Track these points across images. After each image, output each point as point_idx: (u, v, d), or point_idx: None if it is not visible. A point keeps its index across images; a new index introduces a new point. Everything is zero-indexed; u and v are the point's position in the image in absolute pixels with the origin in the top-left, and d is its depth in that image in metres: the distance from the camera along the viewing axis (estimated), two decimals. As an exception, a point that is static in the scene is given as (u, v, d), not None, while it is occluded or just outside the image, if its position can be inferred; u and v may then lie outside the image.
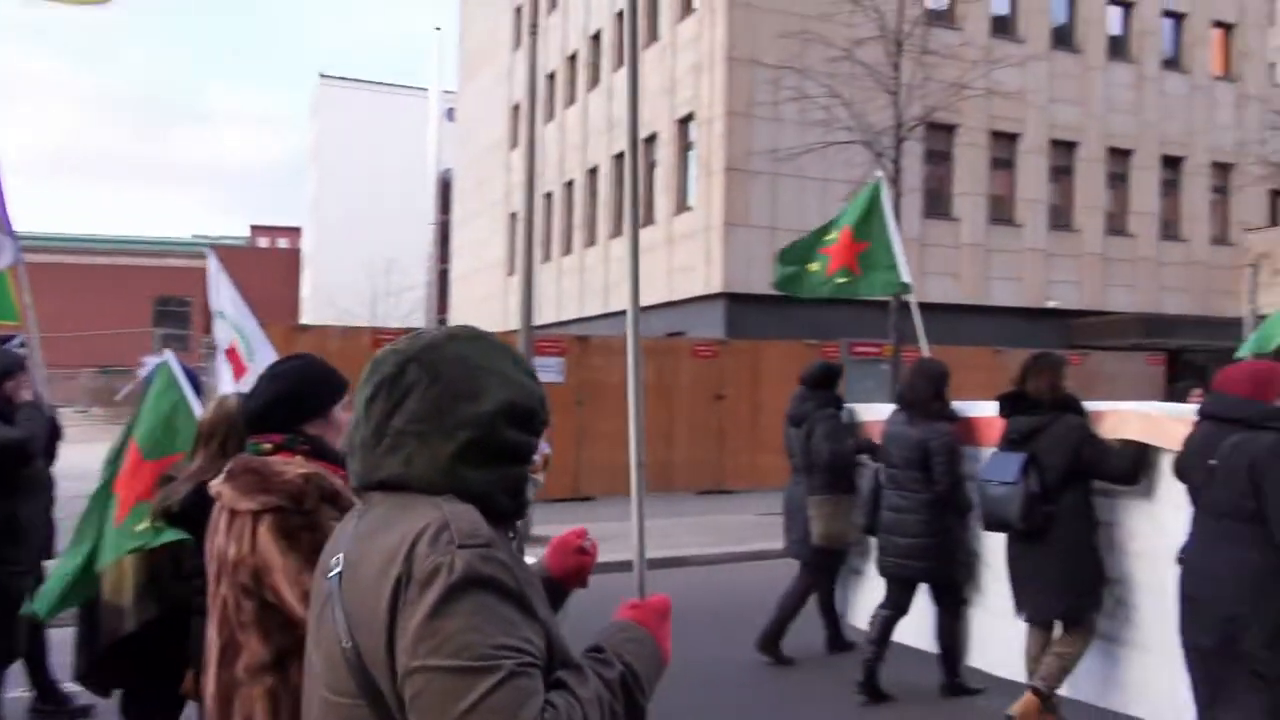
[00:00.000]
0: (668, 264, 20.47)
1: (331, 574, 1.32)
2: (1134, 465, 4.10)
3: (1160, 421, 4.00)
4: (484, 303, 31.15)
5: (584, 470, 12.82)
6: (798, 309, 18.60)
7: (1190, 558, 3.51)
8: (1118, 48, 22.58)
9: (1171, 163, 23.11)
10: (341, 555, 1.32)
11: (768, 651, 5.83)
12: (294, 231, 64.63)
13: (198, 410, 3.54)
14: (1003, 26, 20.89)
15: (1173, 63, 23.29)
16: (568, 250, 26.12)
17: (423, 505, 1.29)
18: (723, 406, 14.36)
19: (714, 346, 14.82)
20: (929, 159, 20.15)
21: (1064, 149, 21.86)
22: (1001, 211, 21.24)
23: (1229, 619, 3.26)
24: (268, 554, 2.05)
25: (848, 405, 5.95)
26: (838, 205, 18.29)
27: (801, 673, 5.78)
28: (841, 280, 6.61)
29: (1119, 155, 22.50)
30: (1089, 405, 4.40)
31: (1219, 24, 23.92)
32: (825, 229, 6.72)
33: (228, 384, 4.96)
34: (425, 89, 55.63)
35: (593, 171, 24.59)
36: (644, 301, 21.83)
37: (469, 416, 1.34)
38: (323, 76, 56.08)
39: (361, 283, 43.32)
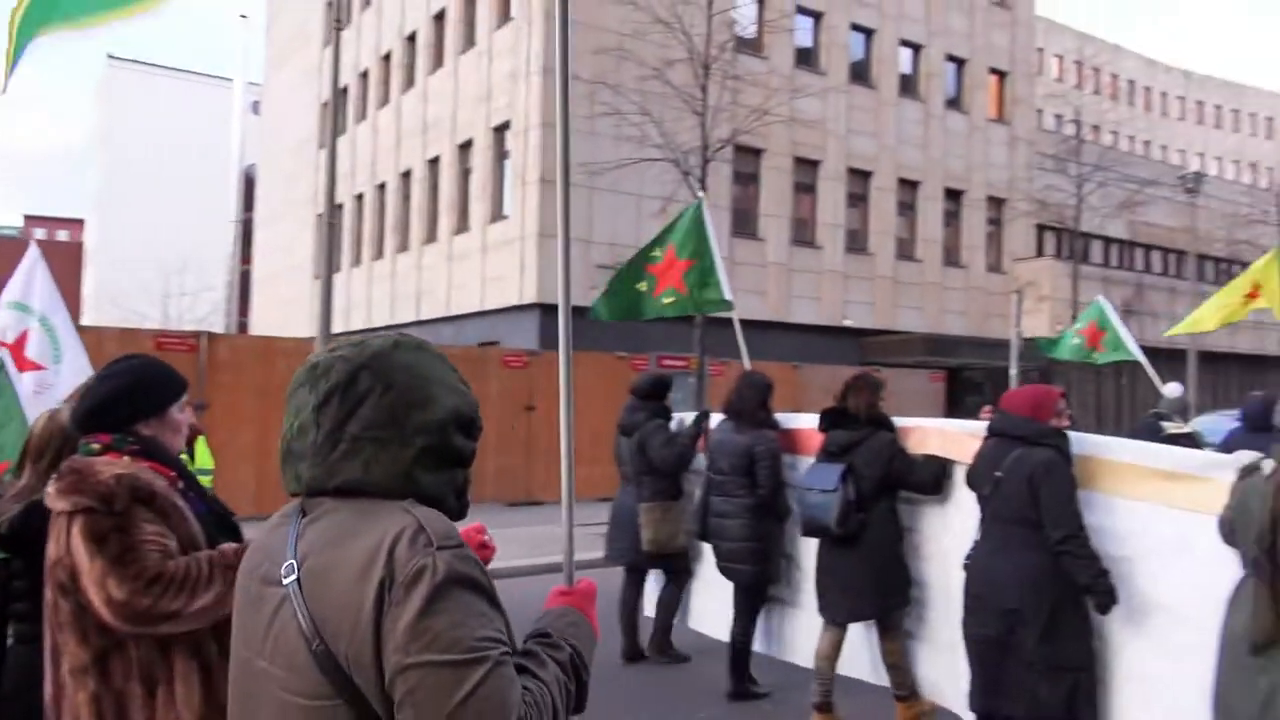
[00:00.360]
0: (482, 273, 20.26)
1: (287, 580, 1.32)
2: (937, 477, 4.46)
3: (955, 436, 4.40)
4: (289, 306, 29.72)
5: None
6: (608, 323, 18.87)
7: (977, 560, 3.89)
8: (908, 86, 24.31)
9: (953, 195, 25.09)
10: (295, 561, 1.33)
11: (662, 654, 6.00)
12: (76, 224, 59.41)
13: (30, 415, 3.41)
14: (805, 58, 22.05)
15: (955, 103, 25.32)
16: (379, 255, 25.35)
17: (390, 510, 1.34)
18: (533, 418, 14.33)
19: (524, 357, 14.77)
20: (737, 180, 20.96)
21: (860, 177, 23.29)
22: (804, 233, 22.36)
23: (1008, 614, 3.66)
24: (78, 555, 2.02)
25: (677, 415, 6.09)
26: (650, 220, 18.79)
27: (623, 678, 5.78)
28: (668, 300, 6.64)
29: (908, 186, 24.20)
30: (898, 421, 4.74)
31: (995, 71, 26.23)
32: (649, 248, 6.72)
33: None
34: (229, 79, 52.76)
35: (406, 175, 24.01)
36: (458, 310, 21.69)
37: (423, 423, 1.40)
38: (111, 58, 51.92)
39: (153, 282, 40.34)
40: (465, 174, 21.48)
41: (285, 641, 1.32)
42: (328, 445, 1.37)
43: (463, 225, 21.32)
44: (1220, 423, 11.52)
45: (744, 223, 21.33)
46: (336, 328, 25.09)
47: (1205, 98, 47.18)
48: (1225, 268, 33.18)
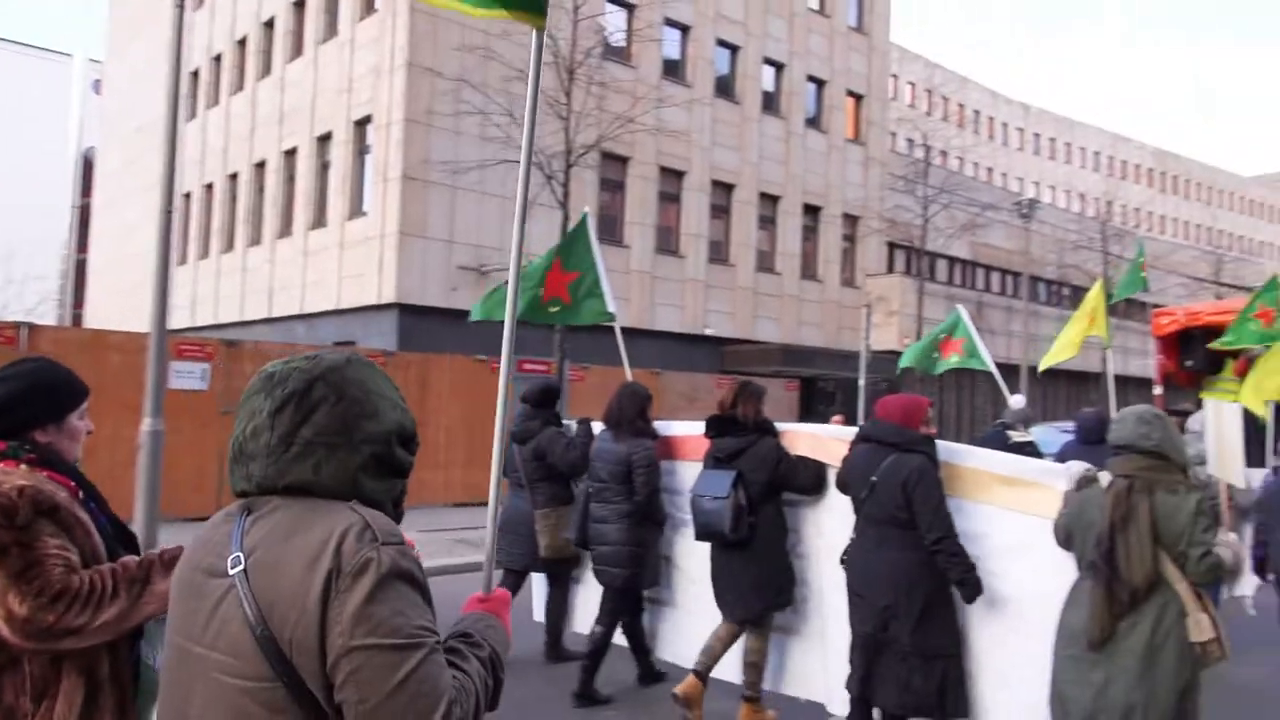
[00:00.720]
0: (339, 270, 19.62)
1: (233, 571, 1.41)
2: (818, 479, 4.68)
3: (825, 441, 4.68)
4: (129, 297, 27.97)
5: (228, 486, 11.82)
6: (472, 324, 18.61)
7: (854, 558, 4.18)
8: (770, 103, 25.05)
9: (811, 211, 25.99)
10: (241, 554, 1.42)
11: (556, 656, 6.09)
12: (-118, 202, 54.10)
13: None
14: (673, 70, 22.42)
15: (814, 122, 26.26)
16: (229, 247, 24.21)
17: (337, 508, 1.45)
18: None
19: (380, 357, 14.38)
20: (604, 187, 21.08)
21: (723, 189, 23.83)
22: (668, 243, 22.69)
23: (884, 608, 3.97)
24: None
25: (567, 420, 6.23)
26: (514, 223, 18.65)
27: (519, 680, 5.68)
28: (554, 310, 6.90)
29: (769, 200, 24.92)
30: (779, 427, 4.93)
31: (852, 93, 27.35)
32: (540, 261, 6.98)
33: None
34: (68, 54, 49.21)
35: (260, 165, 23.03)
36: (313, 308, 20.92)
37: (371, 433, 1.52)
38: (-69, 24, 47.70)
39: (-28, 269, 37.28)
40: (323, 167, 20.78)
41: (229, 628, 1.40)
42: (281, 447, 1.48)
43: (319, 220, 20.61)
44: (1049, 435, 12.30)
45: (609, 229, 21.45)
46: (181, 322, 23.84)
47: (1041, 130, 50.57)
48: (1055, 289, 35.62)
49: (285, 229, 21.78)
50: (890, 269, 28.88)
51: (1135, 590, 3.33)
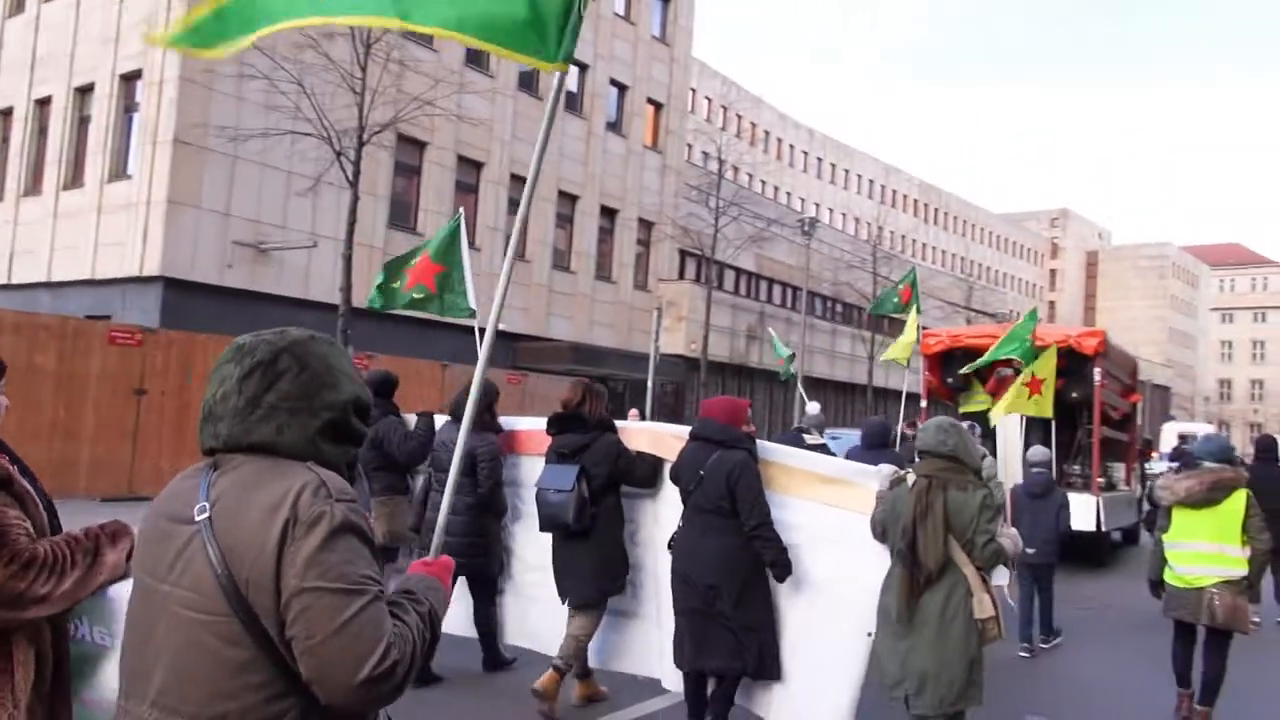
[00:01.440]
0: (95, 236, 17.83)
1: (199, 518, 1.57)
2: (653, 472, 5.04)
3: (661, 437, 5.07)
4: None
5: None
6: (246, 305, 17.44)
7: (681, 543, 4.61)
8: (573, 103, 25.15)
9: (609, 213, 26.33)
10: (207, 504, 1.58)
11: (494, 665, 6.09)
12: None
13: None
14: (475, 58, 22.01)
15: (615, 126, 26.63)
16: (-40, 203, 21.43)
17: (296, 467, 1.61)
18: (143, 403, 12.81)
19: (137, 334, 13.18)
20: (399, 170, 20.39)
21: (522, 184, 23.63)
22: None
23: (709, 587, 4.43)
24: None
25: (406, 414, 6.33)
26: (299, 200, 17.68)
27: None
28: (417, 296, 7.23)
29: (568, 199, 25.01)
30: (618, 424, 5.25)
31: (652, 101, 27.97)
32: (413, 251, 7.46)
33: None
34: None
35: (6, 113, 20.55)
36: (63, 276, 18.89)
37: (330, 401, 1.69)
38: None
39: None
40: (82, 122, 18.83)
41: (192, 567, 1.57)
42: (247, 409, 1.64)
43: (75, 180, 18.65)
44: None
45: (402, 215, 20.78)
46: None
47: (824, 155, 53.81)
48: (830, 304, 37.99)
49: (33, 186, 19.56)
50: (681, 275, 29.75)
51: (929, 573, 3.97)
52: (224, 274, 17.32)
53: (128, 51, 17.69)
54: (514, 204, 23.47)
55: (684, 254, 29.89)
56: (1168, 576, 5.70)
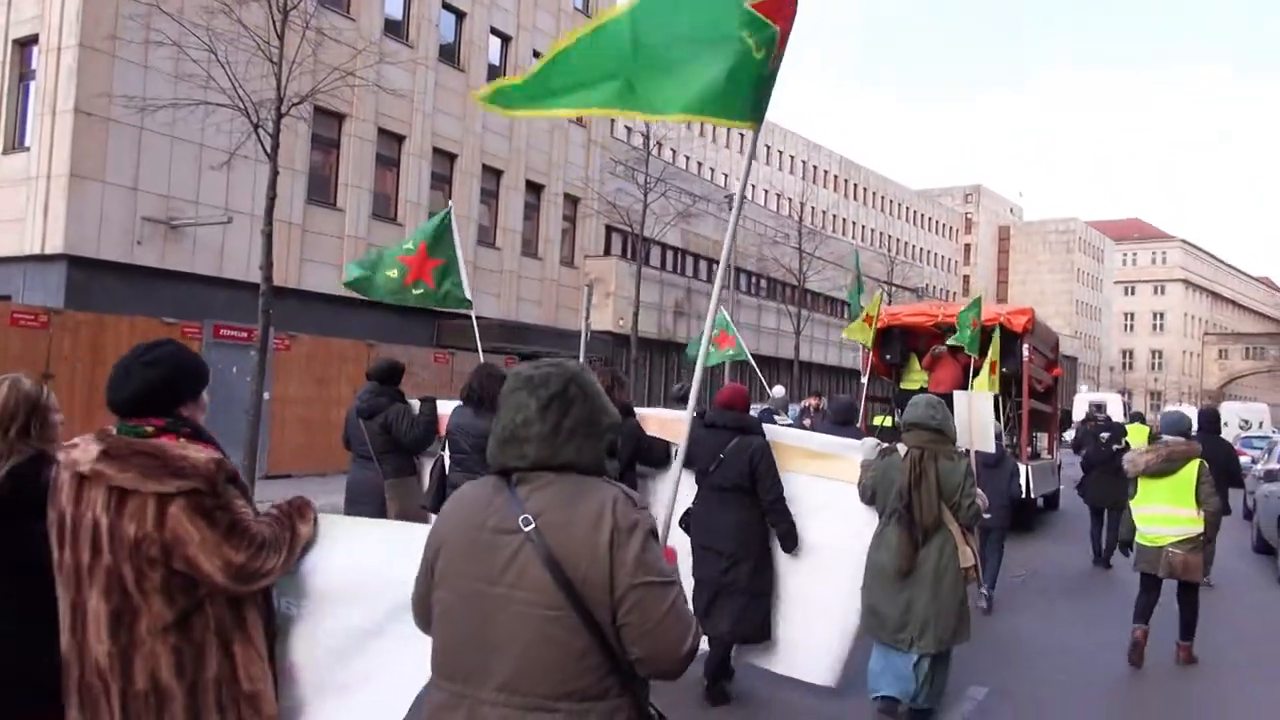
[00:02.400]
0: (-12, 212, 16.79)
1: (526, 529, 1.84)
2: (665, 454, 5.42)
3: (668, 422, 5.53)
4: None
5: None
6: (158, 284, 16.68)
7: (700, 518, 5.14)
8: (495, 75, 24.63)
9: (534, 188, 25.96)
10: (529, 516, 1.85)
11: None
12: None
13: None
14: (395, 28, 21.38)
15: (540, 100, 26.19)
16: None
17: (598, 483, 1.92)
18: (50, 388, 12.12)
19: (42, 315, 12.48)
20: (316, 144, 19.71)
21: (445, 158, 23.15)
22: (385, 209, 21.68)
23: (729, 555, 4.99)
24: (182, 531, 2.26)
25: (411, 399, 6.48)
26: (213, 174, 16.92)
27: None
28: (417, 291, 7.47)
29: (492, 173, 24.56)
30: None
31: (578, 75, 27.57)
32: (405, 241, 7.63)
33: None
34: None
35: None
36: (-52, 254, 17.34)
37: (607, 425, 1.99)
38: None
39: None
40: (-29, 91, 17.68)
41: (529, 572, 1.83)
42: (552, 435, 1.91)
43: (-36, 153, 17.52)
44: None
45: (321, 190, 20.12)
46: None
47: (746, 131, 54.06)
48: (755, 280, 38.28)
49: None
50: (608, 251, 29.57)
51: (926, 530, 4.64)
52: (133, 251, 16.52)
53: (21, 16, 16.65)
54: (436, 178, 22.94)
55: (610, 230, 29.71)
56: (1136, 537, 6.55)
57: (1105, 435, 11.09)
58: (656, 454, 5.42)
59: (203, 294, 17.05)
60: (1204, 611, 6.81)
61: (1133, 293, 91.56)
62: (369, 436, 6.25)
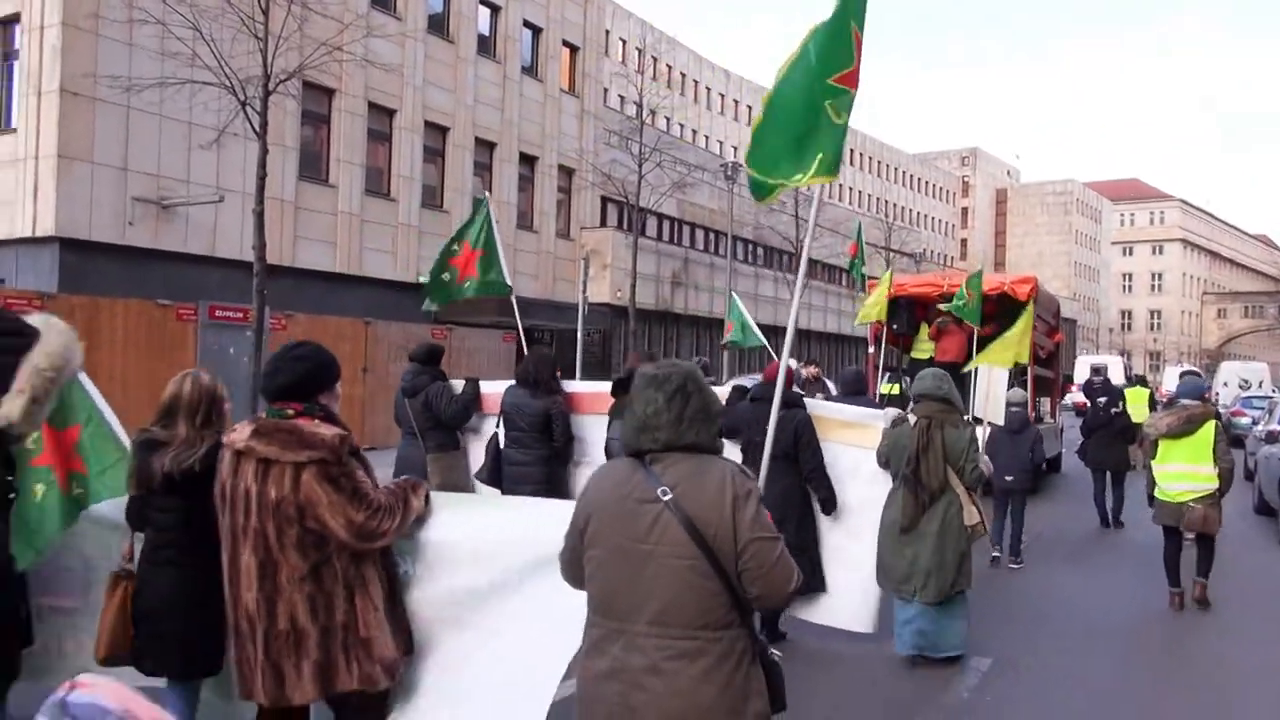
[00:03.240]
0: (-22, 196, 16.63)
1: (665, 498, 2.33)
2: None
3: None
4: None
5: None
6: (151, 264, 16.56)
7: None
8: (485, 46, 24.36)
9: (528, 160, 25.73)
10: (666, 487, 2.34)
11: None
12: None
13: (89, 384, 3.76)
14: (382, 0, 21.06)
15: (530, 70, 25.91)
16: None
17: (715, 459, 2.44)
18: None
19: (36, 300, 12.38)
20: (306, 119, 19.49)
21: (437, 131, 22.91)
22: (377, 184, 21.49)
23: (775, 519, 5.21)
24: (312, 494, 2.76)
25: (454, 379, 6.86)
26: (203, 153, 16.75)
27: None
28: (467, 285, 7.84)
29: (485, 146, 24.32)
30: None
31: (567, 44, 27.26)
32: (450, 243, 8.00)
33: None
34: None
35: None
36: (-62, 238, 17.17)
37: (717, 411, 2.52)
38: None
39: None
40: (-46, 72, 17.44)
41: (670, 531, 2.32)
42: (677, 422, 2.40)
43: (-50, 136, 17.32)
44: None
45: (312, 166, 19.92)
46: None
47: (740, 97, 53.57)
48: (752, 248, 38.10)
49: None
50: (603, 223, 29.38)
51: (932, 492, 5.23)
52: (125, 232, 16.38)
53: (3, -6, 16.38)
54: (429, 151, 22.72)
55: (605, 201, 29.50)
56: (1156, 493, 7.05)
57: (1103, 400, 11.14)
58: None
59: (196, 274, 16.93)
60: (1187, 573, 7.16)
61: (1131, 253, 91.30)
62: (413, 414, 6.68)
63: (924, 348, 13.10)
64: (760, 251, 38.28)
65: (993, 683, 5.36)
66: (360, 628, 2.85)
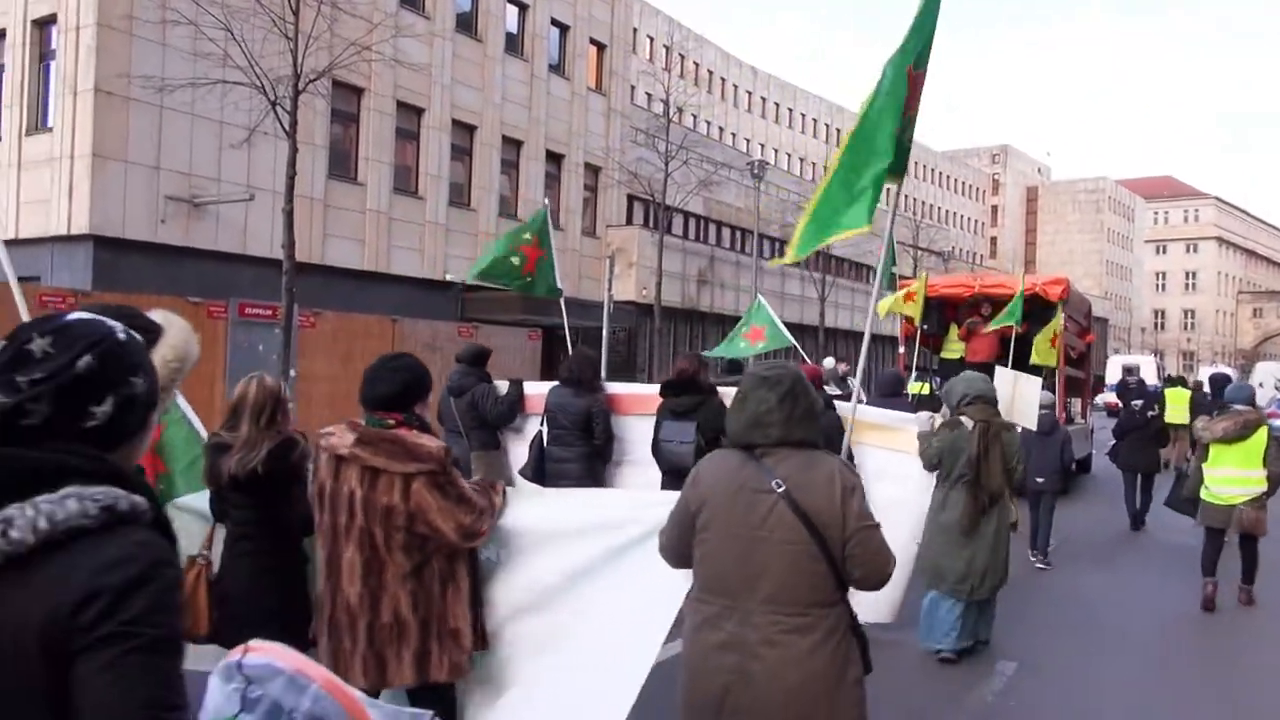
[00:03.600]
0: (16, 193, 16.93)
1: (779, 489, 2.60)
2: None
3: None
4: None
5: None
6: (182, 262, 16.77)
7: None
8: (513, 44, 24.43)
9: (554, 158, 25.78)
10: (779, 480, 2.62)
11: None
12: None
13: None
14: (410, 0, 21.18)
15: (558, 68, 25.96)
16: None
17: (821, 453, 2.71)
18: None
19: (70, 297, 12.58)
20: (336, 118, 19.65)
21: (464, 130, 23.02)
22: (405, 182, 21.63)
23: None
24: (424, 502, 2.98)
25: (499, 381, 7.09)
26: (233, 152, 16.96)
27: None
28: (527, 279, 8.10)
29: (511, 144, 24.41)
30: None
31: (595, 42, 27.29)
32: (522, 229, 8.18)
33: None
34: None
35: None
36: (-25, 236, 17.53)
37: (819, 411, 2.81)
38: None
39: None
40: (-6, 73, 17.77)
41: (784, 520, 2.59)
42: (788, 421, 2.67)
43: (-11, 135, 17.65)
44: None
45: (341, 165, 20.09)
46: None
47: (768, 95, 53.35)
48: (779, 247, 37.96)
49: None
50: (629, 221, 29.38)
51: (992, 494, 5.49)
52: (157, 230, 16.61)
53: (40, -5, 16.66)
54: (456, 150, 22.84)
55: (632, 199, 29.50)
56: (1203, 495, 7.28)
57: (1138, 403, 10.99)
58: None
59: (227, 271, 17.13)
60: (1227, 579, 7.34)
61: (1164, 252, 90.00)
62: (458, 413, 6.94)
63: (954, 348, 13.28)
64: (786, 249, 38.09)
65: (1017, 686, 5.32)
66: (450, 619, 3.09)
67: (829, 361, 10.72)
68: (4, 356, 1.32)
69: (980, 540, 5.45)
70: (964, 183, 72.07)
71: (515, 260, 7.96)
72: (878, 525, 2.62)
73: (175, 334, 3.13)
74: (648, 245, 27.21)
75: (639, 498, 3.27)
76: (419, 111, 21.64)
